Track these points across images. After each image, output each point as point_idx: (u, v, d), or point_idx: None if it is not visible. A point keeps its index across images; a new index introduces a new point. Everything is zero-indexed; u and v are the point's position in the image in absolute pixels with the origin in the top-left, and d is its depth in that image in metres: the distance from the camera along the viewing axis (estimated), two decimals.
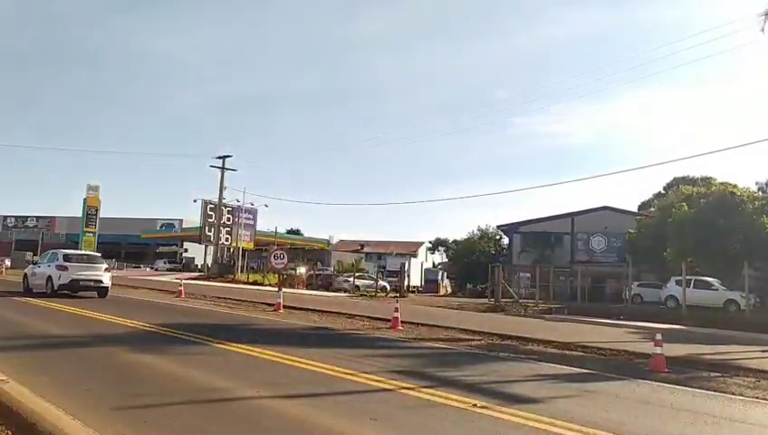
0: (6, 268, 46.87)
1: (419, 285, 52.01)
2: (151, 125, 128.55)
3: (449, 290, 52.76)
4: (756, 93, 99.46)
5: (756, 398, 7.90)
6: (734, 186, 30.48)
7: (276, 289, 24.77)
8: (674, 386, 8.43)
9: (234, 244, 53.94)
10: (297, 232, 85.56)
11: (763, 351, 13.32)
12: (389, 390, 7.07)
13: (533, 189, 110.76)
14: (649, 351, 10.51)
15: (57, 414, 4.92)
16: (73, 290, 20.32)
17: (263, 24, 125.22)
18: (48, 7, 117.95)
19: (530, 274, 36.69)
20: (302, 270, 44.41)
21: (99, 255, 23.80)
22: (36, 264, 23.29)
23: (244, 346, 10.02)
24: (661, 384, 8.54)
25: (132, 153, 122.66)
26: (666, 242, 29.67)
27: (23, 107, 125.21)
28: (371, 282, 40.89)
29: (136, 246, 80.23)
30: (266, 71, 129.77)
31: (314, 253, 65.35)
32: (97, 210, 78.63)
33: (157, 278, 42.52)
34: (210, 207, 50.83)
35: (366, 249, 68.20)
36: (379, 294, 36.43)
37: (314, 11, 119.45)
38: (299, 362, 8.67)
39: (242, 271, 51.33)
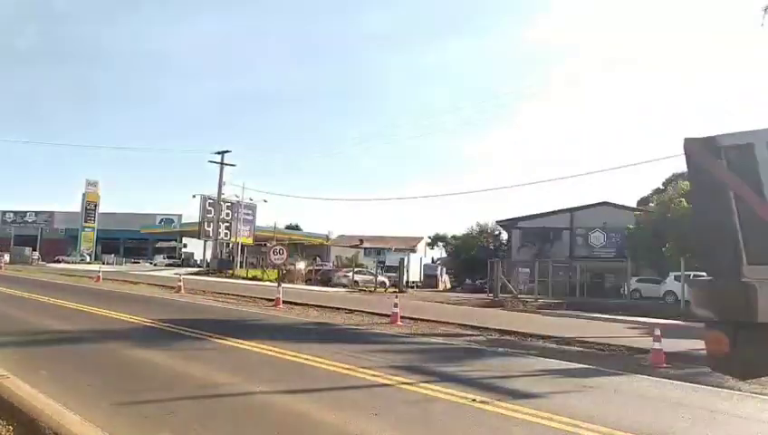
0: (5, 263, 46.77)
1: (418, 280, 52.00)
2: (150, 121, 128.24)
3: (448, 285, 52.66)
4: (756, 88, 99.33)
5: (754, 392, 7.92)
6: None
7: (275, 284, 24.77)
8: (673, 381, 8.45)
9: (233, 239, 53.95)
10: (296, 227, 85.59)
11: None
12: (390, 385, 7.09)
13: (533, 185, 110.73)
14: (648, 346, 10.54)
15: (58, 409, 4.93)
16: None
17: (263, 20, 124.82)
18: (48, 4, 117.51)
19: (529, 269, 36.69)
20: (301, 265, 44.38)
21: None
22: None
23: (244, 342, 10.03)
24: (660, 379, 8.57)
25: (131, 148, 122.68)
26: (665, 237, 29.71)
27: (22, 103, 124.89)
28: (370, 277, 40.90)
29: (135, 241, 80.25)
30: (267, 67, 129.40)
31: (313, 248, 65.42)
32: (96, 205, 78.89)
33: (156, 273, 42.51)
34: (209, 203, 50.77)
35: (365, 244, 68.18)
36: (378, 290, 36.46)
37: (315, 7, 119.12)
38: (299, 357, 8.69)
39: (241, 266, 51.35)
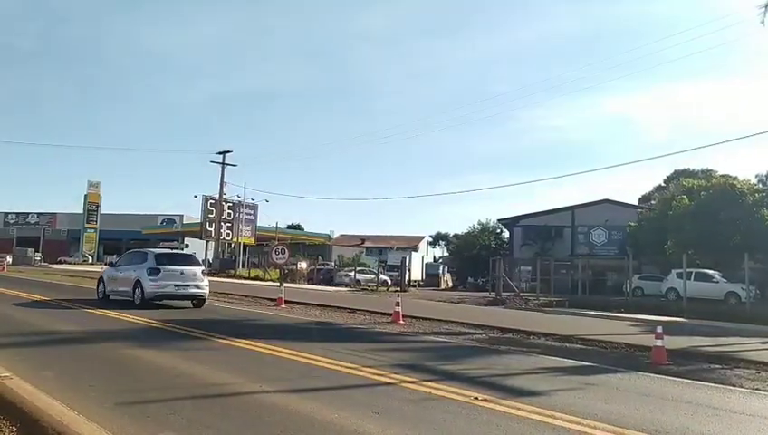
0: (8, 265, 46.88)
1: (420, 279, 52.00)
2: (151, 121, 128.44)
3: (450, 284, 52.62)
4: (756, 85, 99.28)
5: (756, 389, 7.92)
6: (735, 178, 30.46)
7: (277, 284, 24.79)
8: (675, 378, 8.46)
9: (234, 239, 53.99)
10: (298, 227, 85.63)
11: (764, 342, 13.33)
12: (392, 383, 7.10)
13: (534, 183, 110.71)
14: (650, 343, 10.53)
15: (61, 409, 4.94)
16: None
17: (262, 20, 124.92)
18: (48, 4, 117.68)
19: (531, 267, 36.66)
20: (303, 265, 44.46)
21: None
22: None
23: (246, 341, 10.05)
24: (662, 376, 8.57)
25: (133, 149, 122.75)
26: (666, 235, 29.69)
27: (23, 103, 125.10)
28: (372, 276, 40.96)
29: (137, 241, 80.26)
30: (266, 66, 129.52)
31: (315, 248, 65.48)
32: (98, 206, 79.01)
33: None
34: (211, 203, 50.82)
35: (367, 244, 68.30)
36: (380, 289, 36.48)
37: (314, 6, 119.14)
38: (301, 356, 8.70)
39: (243, 266, 51.42)
